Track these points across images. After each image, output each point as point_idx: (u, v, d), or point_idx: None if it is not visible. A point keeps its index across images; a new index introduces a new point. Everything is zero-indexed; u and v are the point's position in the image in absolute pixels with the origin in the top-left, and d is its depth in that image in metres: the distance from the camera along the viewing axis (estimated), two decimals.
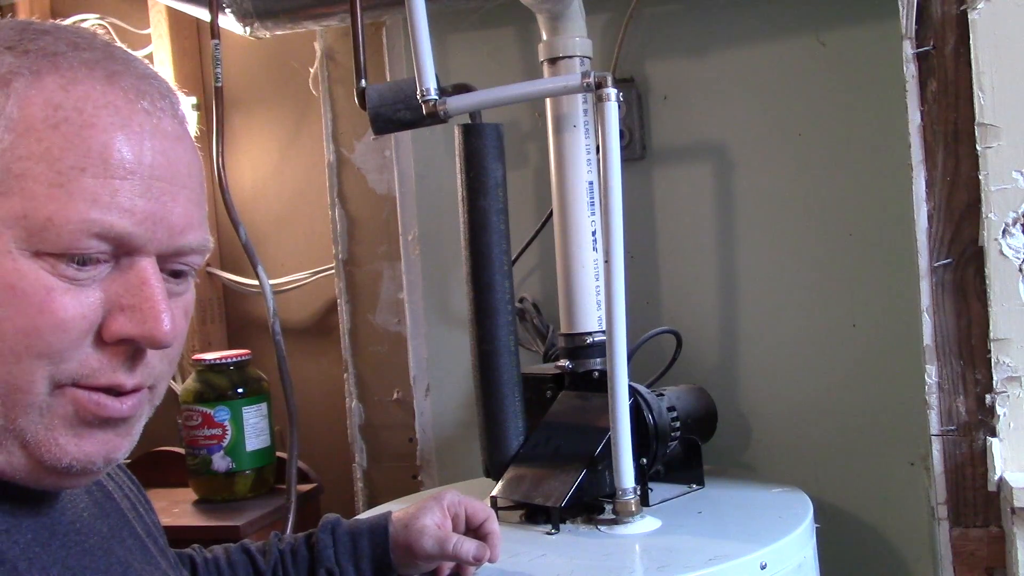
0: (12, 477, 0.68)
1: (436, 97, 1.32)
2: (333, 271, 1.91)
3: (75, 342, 0.67)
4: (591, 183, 1.44)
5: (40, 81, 0.67)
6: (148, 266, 0.70)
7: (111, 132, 0.68)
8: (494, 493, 1.35)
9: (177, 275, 0.74)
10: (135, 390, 0.71)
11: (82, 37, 0.72)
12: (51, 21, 0.74)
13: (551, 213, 1.50)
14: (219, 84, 1.71)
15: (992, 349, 1.24)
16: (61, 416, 0.68)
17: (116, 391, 0.70)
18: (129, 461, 1.95)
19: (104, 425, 0.70)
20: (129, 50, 0.75)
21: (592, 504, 1.32)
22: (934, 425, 1.28)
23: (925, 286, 1.27)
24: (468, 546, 1.03)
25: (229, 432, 1.78)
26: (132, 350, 0.70)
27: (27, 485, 0.70)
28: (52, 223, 0.65)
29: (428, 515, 1.06)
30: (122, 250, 0.69)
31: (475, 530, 1.09)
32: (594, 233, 1.44)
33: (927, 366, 1.28)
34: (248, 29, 1.75)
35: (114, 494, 0.85)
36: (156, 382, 0.74)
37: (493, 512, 1.11)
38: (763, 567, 1.15)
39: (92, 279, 0.68)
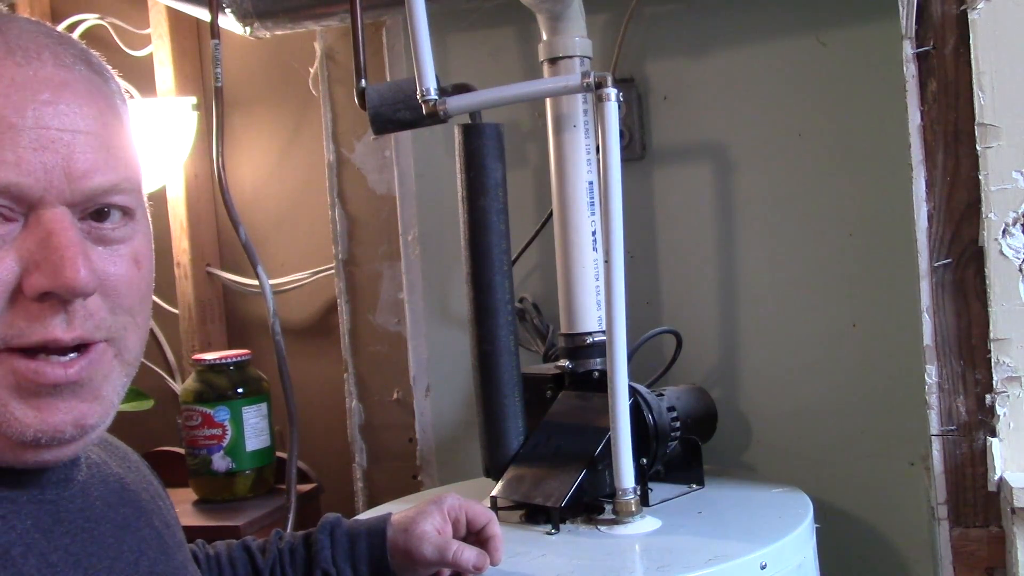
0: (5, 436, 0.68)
1: (436, 97, 1.32)
2: (333, 271, 1.91)
3: None
4: (591, 183, 1.44)
5: None
6: (54, 216, 0.69)
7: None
8: (494, 493, 1.35)
9: (101, 218, 0.73)
10: (80, 347, 0.71)
11: (19, 20, 0.72)
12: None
13: (551, 213, 1.50)
14: (219, 84, 1.71)
15: (992, 349, 1.24)
16: (7, 387, 0.68)
17: (55, 350, 0.69)
18: None
19: (62, 393, 0.70)
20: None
21: (592, 504, 1.32)
22: (934, 425, 1.28)
23: (925, 286, 1.27)
24: (468, 554, 1.03)
25: (229, 432, 1.78)
26: (60, 303, 0.69)
27: (10, 464, 0.70)
28: None
29: (428, 520, 1.05)
30: (23, 206, 0.69)
31: (476, 534, 1.08)
32: (594, 233, 1.44)
33: (927, 366, 1.28)
34: (248, 29, 1.75)
35: (132, 486, 0.85)
36: (111, 336, 0.73)
37: (494, 515, 1.10)
38: (763, 567, 1.15)
39: (1, 240, 0.68)
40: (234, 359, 1.81)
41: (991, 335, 1.23)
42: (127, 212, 0.75)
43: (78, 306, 0.70)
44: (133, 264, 0.75)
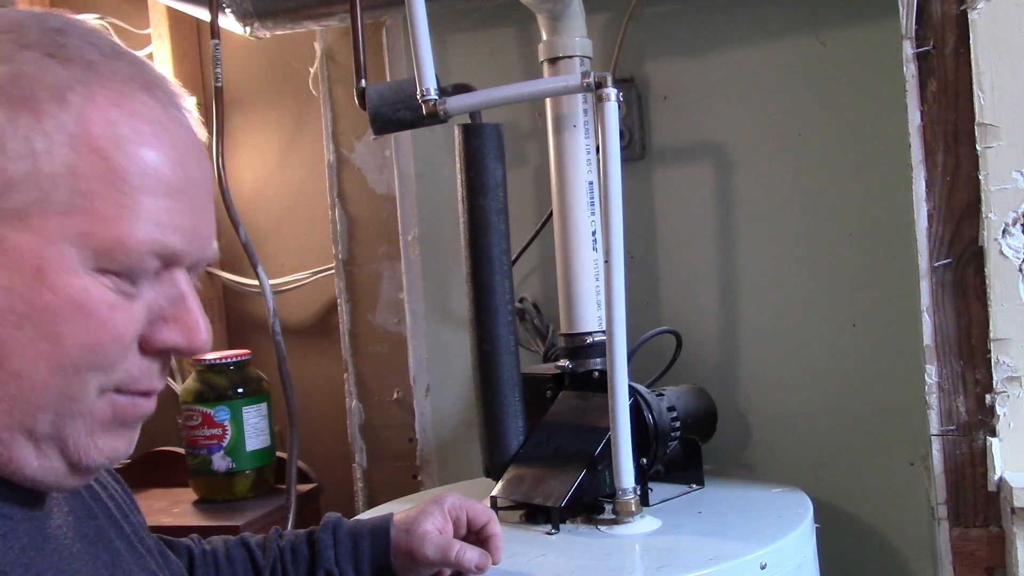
0: (42, 480, 0.69)
1: (436, 97, 1.32)
2: (333, 271, 1.91)
3: (125, 353, 0.69)
4: (591, 183, 1.44)
5: (93, 96, 0.67)
6: (184, 278, 0.72)
7: (163, 150, 0.69)
8: (494, 493, 1.35)
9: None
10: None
11: (98, 37, 0.71)
12: (56, 13, 0.72)
13: (551, 213, 1.50)
14: (219, 84, 1.71)
15: (992, 349, 1.24)
16: (100, 420, 0.70)
17: (147, 393, 0.73)
18: (128, 462, 1.95)
19: (133, 424, 0.73)
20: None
21: (592, 504, 1.32)
22: (934, 425, 1.28)
23: (925, 286, 1.27)
24: (471, 555, 1.03)
25: (229, 432, 1.78)
26: (166, 356, 0.72)
27: (49, 488, 0.71)
28: (121, 244, 0.66)
29: (429, 520, 1.05)
30: (165, 264, 0.70)
31: (476, 533, 1.08)
32: (594, 233, 1.44)
33: (927, 366, 1.28)
34: (248, 29, 1.75)
35: (98, 495, 0.85)
36: None
37: (495, 514, 1.10)
38: (763, 567, 1.15)
39: (141, 293, 0.69)
40: (234, 359, 1.81)
41: (991, 335, 1.23)
42: None
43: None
44: None
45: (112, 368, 0.69)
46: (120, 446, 0.72)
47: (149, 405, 0.73)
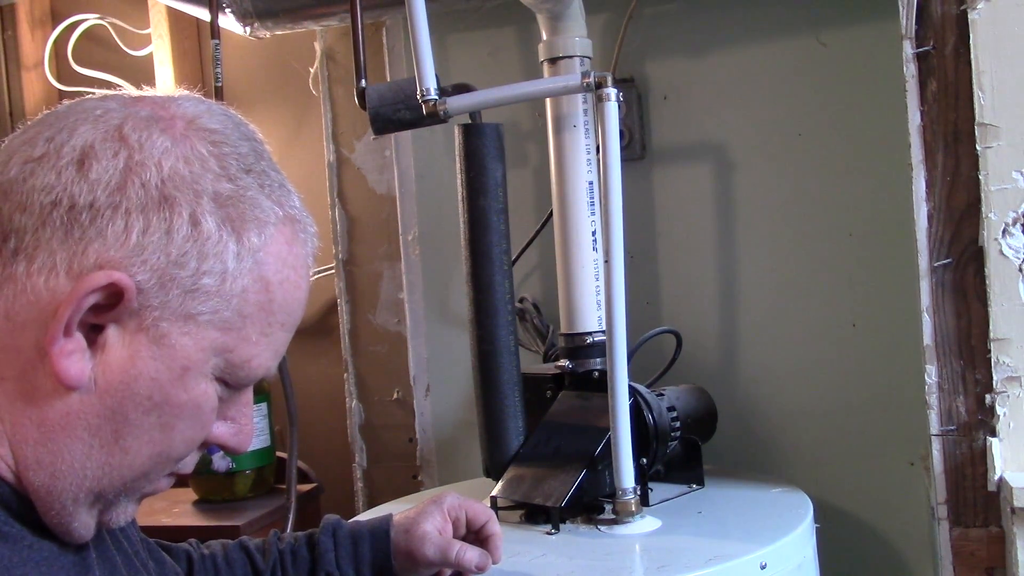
0: (72, 535, 0.73)
1: (436, 97, 1.32)
2: (333, 271, 1.91)
3: None
4: (591, 183, 1.44)
5: (277, 234, 0.74)
6: (250, 391, 0.79)
7: (302, 291, 0.77)
8: (494, 493, 1.35)
9: None
10: None
11: (272, 162, 0.77)
12: (240, 120, 0.77)
13: (551, 213, 1.50)
14: (219, 84, 1.71)
15: (992, 349, 1.24)
16: (136, 493, 0.76)
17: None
18: None
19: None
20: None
21: (592, 504, 1.32)
22: (934, 425, 1.28)
23: (925, 286, 1.27)
24: (471, 555, 1.03)
25: None
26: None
27: (71, 540, 0.74)
28: (248, 364, 0.74)
29: (429, 520, 1.06)
30: None
31: (476, 533, 1.08)
32: (594, 233, 1.44)
33: (927, 366, 1.28)
34: (248, 29, 1.75)
35: None
36: None
37: (494, 514, 1.10)
38: (763, 567, 1.15)
39: (221, 402, 0.76)
40: None
41: (991, 335, 1.23)
42: None
43: None
44: None
45: (188, 459, 0.77)
46: (135, 512, 0.78)
47: (168, 485, 0.79)
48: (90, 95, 0.75)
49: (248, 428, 0.79)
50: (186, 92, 0.77)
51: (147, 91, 0.76)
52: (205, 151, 0.71)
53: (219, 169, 0.71)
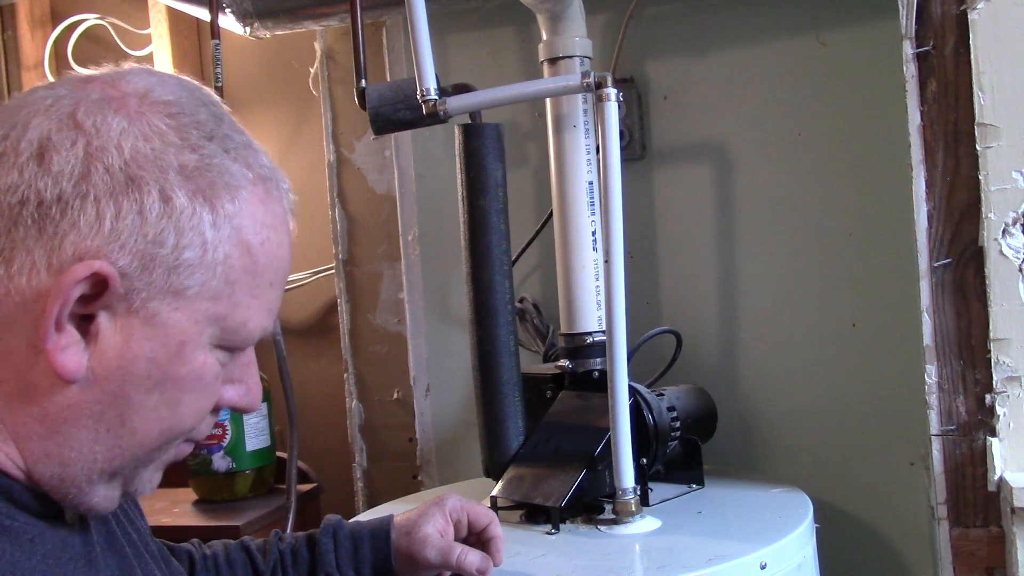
0: (96, 509, 0.74)
1: (436, 97, 1.32)
2: (333, 271, 1.91)
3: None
4: (591, 183, 1.44)
5: (251, 195, 0.73)
6: (253, 350, 0.79)
7: (284, 247, 0.76)
8: (494, 493, 1.35)
9: None
10: None
11: (236, 124, 0.76)
12: (199, 86, 0.76)
13: (551, 213, 1.50)
14: (219, 84, 1.71)
15: (992, 349, 1.24)
16: (164, 462, 0.77)
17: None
18: None
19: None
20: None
21: (592, 504, 1.32)
22: (934, 425, 1.28)
23: (925, 286, 1.27)
24: (472, 558, 1.03)
25: (229, 432, 1.78)
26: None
27: (96, 514, 0.76)
28: (245, 327, 0.74)
29: (430, 522, 1.05)
30: None
31: (478, 535, 1.08)
32: (594, 233, 1.44)
33: (927, 366, 1.28)
34: (248, 29, 1.75)
35: None
36: None
37: (495, 516, 1.10)
38: (763, 567, 1.15)
39: (224, 367, 0.76)
40: None
41: (991, 335, 1.23)
42: None
43: None
44: None
45: (202, 427, 0.77)
46: (160, 478, 0.79)
47: (192, 447, 0.80)
48: (40, 83, 0.74)
49: (255, 386, 0.79)
50: (135, 65, 0.76)
51: (96, 69, 0.75)
52: (163, 125, 0.70)
53: (180, 141, 0.70)
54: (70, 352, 0.68)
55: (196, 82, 0.76)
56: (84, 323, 0.69)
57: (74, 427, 0.70)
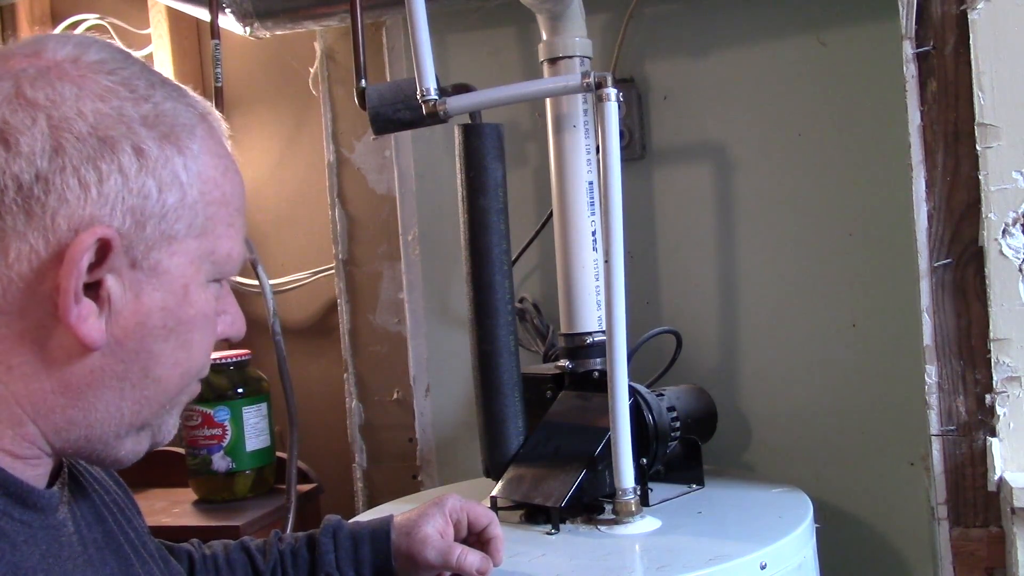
0: (122, 461, 0.77)
1: (436, 97, 1.32)
2: (333, 271, 1.91)
3: None
4: (591, 183, 1.44)
5: (206, 132, 0.76)
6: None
7: (239, 174, 0.80)
8: (494, 493, 1.35)
9: None
10: None
11: (164, 77, 0.77)
12: (127, 54, 0.77)
13: (551, 213, 1.50)
14: (219, 84, 1.71)
15: (992, 349, 1.24)
16: (182, 405, 0.80)
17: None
18: None
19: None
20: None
21: (592, 504, 1.32)
22: (934, 425, 1.28)
23: (925, 286, 1.27)
24: (472, 559, 1.03)
25: (229, 432, 1.78)
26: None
27: (121, 466, 0.78)
28: (230, 258, 0.77)
29: (430, 522, 1.05)
30: None
31: (478, 535, 1.08)
32: (594, 233, 1.44)
33: (927, 366, 1.28)
34: (248, 29, 1.75)
35: (105, 499, 0.85)
36: None
37: (495, 516, 1.10)
38: (763, 567, 1.15)
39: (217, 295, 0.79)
40: (234, 359, 1.81)
41: (991, 335, 1.23)
42: None
43: None
44: None
45: (208, 363, 0.80)
46: (178, 423, 0.81)
47: (199, 387, 0.83)
48: None
49: (239, 314, 0.82)
50: (35, 35, 0.77)
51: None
52: (109, 83, 0.71)
53: (130, 94, 0.72)
54: (91, 321, 0.70)
55: (98, 36, 0.77)
56: (92, 291, 0.70)
57: (99, 390, 0.72)
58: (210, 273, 0.76)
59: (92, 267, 0.69)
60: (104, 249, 0.69)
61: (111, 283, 0.70)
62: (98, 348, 0.70)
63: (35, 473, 0.73)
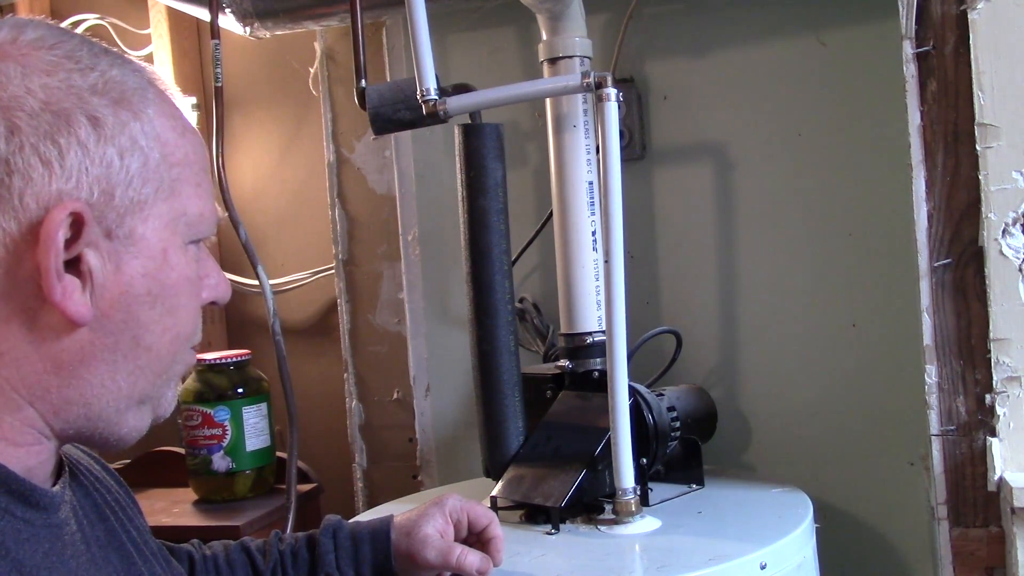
0: (126, 439, 0.77)
1: (436, 97, 1.32)
2: (333, 271, 1.91)
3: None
4: (591, 183, 1.44)
5: (156, 96, 0.76)
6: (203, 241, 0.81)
7: (196, 132, 0.79)
8: (494, 493, 1.35)
9: None
10: None
11: (105, 47, 0.77)
12: (64, 28, 0.76)
13: (551, 213, 1.50)
14: (219, 84, 1.71)
15: (992, 349, 1.24)
16: (174, 376, 0.80)
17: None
18: (128, 461, 1.95)
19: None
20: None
21: (592, 504, 1.32)
22: (934, 425, 1.28)
23: (925, 286, 1.27)
24: (472, 559, 1.03)
25: (229, 432, 1.78)
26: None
27: (124, 445, 0.78)
28: (203, 217, 0.77)
29: (430, 523, 1.06)
30: None
31: (478, 535, 1.08)
32: (594, 233, 1.44)
33: (927, 366, 1.28)
34: (248, 29, 1.75)
35: (107, 497, 0.85)
36: None
37: (495, 516, 1.10)
38: (763, 567, 1.15)
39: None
40: (234, 359, 1.81)
41: (991, 335, 1.23)
42: None
43: None
44: None
45: (198, 329, 0.80)
46: (177, 397, 0.82)
47: (195, 356, 0.83)
48: None
49: (223, 277, 0.83)
50: None
51: None
52: (52, 57, 0.71)
53: (75, 65, 0.71)
54: (76, 296, 0.70)
55: (32, 17, 0.76)
56: (73, 267, 0.70)
57: (91, 365, 0.72)
58: (186, 235, 0.76)
59: (69, 243, 0.69)
60: (78, 223, 0.69)
61: (90, 256, 0.70)
62: (86, 323, 0.70)
63: (36, 461, 0.73)
